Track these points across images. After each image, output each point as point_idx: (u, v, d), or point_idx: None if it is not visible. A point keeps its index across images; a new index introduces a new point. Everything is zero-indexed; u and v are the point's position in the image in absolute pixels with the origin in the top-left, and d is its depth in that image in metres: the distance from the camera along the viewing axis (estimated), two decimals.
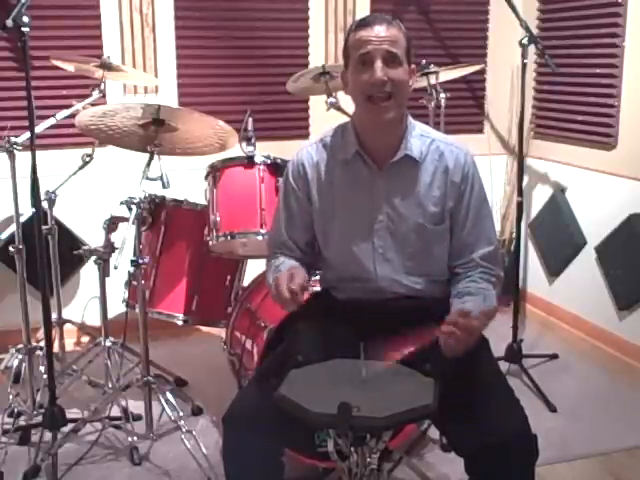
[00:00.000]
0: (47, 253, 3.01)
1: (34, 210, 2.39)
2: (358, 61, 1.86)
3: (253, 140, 2.73)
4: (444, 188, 1.94)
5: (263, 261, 2.20)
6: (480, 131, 4.24)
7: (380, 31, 1.83)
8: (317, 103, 3.42)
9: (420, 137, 1.96)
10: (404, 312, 1.92)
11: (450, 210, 1.96)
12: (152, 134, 2.63)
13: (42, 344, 2.78)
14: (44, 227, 2.87)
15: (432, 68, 3.27)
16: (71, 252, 3.05)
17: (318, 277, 2.18)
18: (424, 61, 3.24)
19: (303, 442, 2.24)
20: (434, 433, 2.67)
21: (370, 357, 1.74)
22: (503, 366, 3.06)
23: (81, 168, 3.04)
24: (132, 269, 2.64)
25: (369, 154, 1.95)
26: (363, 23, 1.87)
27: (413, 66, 1.91)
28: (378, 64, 1.82)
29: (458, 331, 1.63)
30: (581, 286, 3.80)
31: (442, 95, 3.27)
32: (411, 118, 1.99)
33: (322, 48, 3.86)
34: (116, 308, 3.15)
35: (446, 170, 1.94)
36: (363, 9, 3.84)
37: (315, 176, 1.99)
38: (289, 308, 1.82)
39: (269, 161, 2.71)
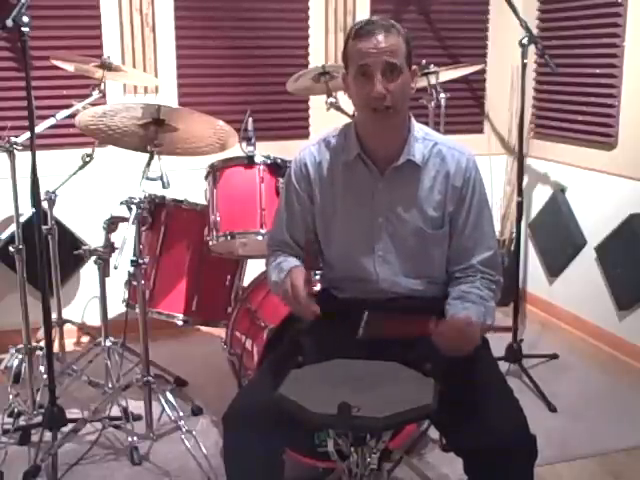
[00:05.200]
0: (47, 253, 3.01)
1: (34, 210, 2.39)
2: (358, 71, 1.85)
3: (253, 140, 2.73)
4: (445, 192, 1.94)
5: (263, 261, 2.19)
6: (480, 131, 4.24)
7: (379, 42, 1.81)
8: (317, 103, 3.42)
9: (423, 140, 1.96)
10: (404, 311, 1.92)
11: (450, 214, 1.95)
12: (152, 134, 2.62)
13: (42, 344, 2.78)
14: (44, 227, 2.87)
15: (432, 68, 3.26)
16: (71, 252, 3.05)
17: (318, 277, 2.18)
18: (424, 61, 3.24)
19: (303, 442, 2.24)
20: (434, 433, 2.67)
21: (371, 329, 1.77)
22: (503, 366, 3.06)
23: (81, 168, 3.04)
24: (132, 269, 2.64)
25: (370, 157, 1.94)
26: (362, 32, 1.84)
27: (414, 67, 1.91)
28: (378, 77, 1.81)
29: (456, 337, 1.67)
30: (581, 286, 3.80)
31: (442, 95, 3.26)
32: (414, 121, 1.98)
33: (322, 48, 3.86)
34: (116, 308, 3.15)
35: (447, 174, 1.94)
36: (363, 9, 3.83)
37: (317, 176, 1.99)
38: (305, 317, 1.83)
39: (269, 161, 2.71)
